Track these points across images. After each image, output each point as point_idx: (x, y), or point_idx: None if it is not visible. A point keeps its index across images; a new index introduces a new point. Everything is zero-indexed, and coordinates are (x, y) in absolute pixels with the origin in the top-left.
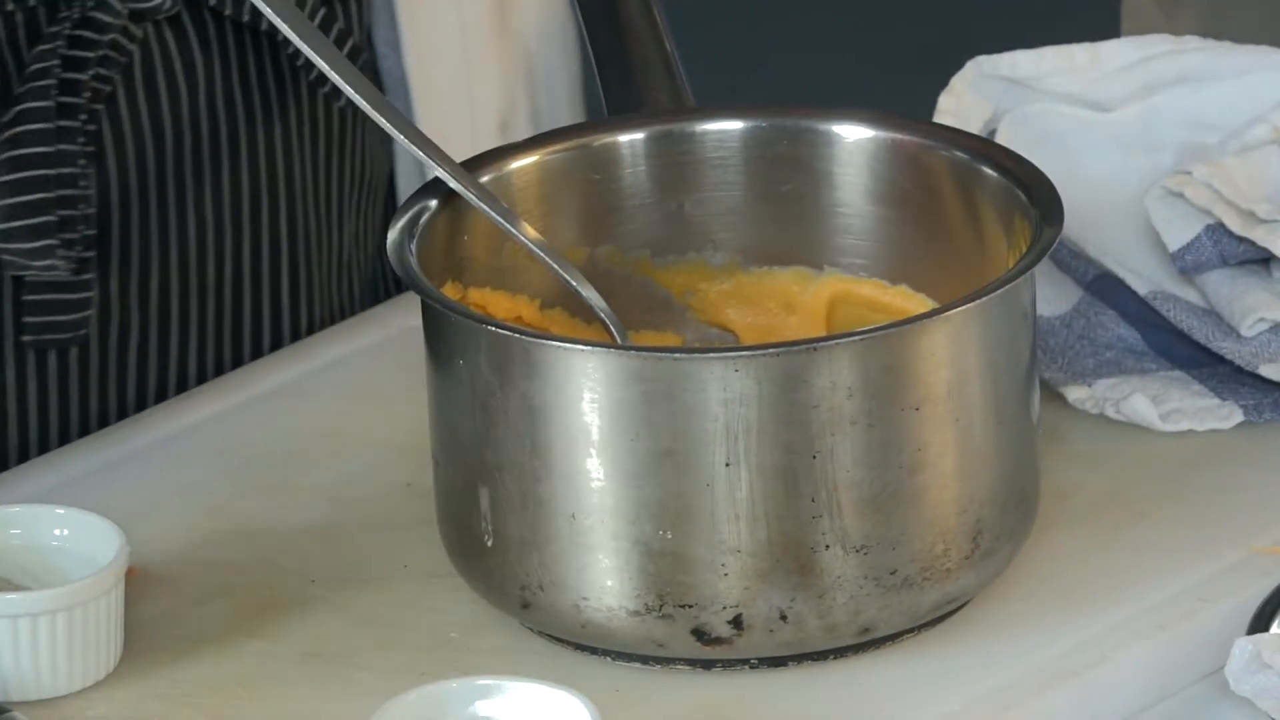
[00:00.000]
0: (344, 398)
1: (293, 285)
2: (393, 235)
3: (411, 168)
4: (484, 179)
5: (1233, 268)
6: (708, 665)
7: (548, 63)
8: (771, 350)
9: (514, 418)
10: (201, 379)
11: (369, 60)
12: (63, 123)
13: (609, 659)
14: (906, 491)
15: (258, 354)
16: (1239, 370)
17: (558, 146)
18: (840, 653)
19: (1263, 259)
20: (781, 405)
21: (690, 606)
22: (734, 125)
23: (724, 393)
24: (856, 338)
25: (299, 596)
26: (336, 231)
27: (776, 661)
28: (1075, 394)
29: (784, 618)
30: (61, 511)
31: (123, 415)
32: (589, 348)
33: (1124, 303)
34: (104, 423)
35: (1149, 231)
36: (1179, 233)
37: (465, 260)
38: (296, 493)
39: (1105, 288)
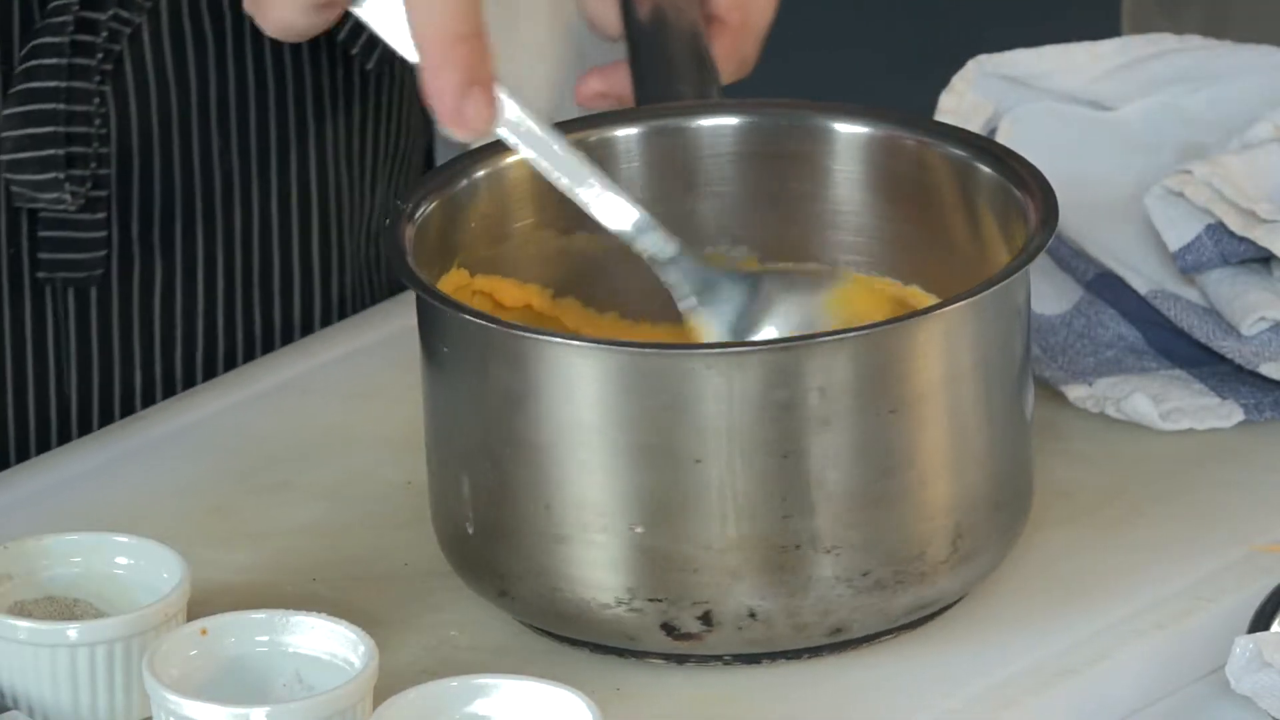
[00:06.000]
0: (344, 397)
1: (323, 245)
2: (391, 215)
3: (452, 143)
4: (479, 174)
5: (1233, 267)
6: (681, 660)
7: (604, 52)
8: (745, 349)
9: (492, 406)
10: (230, 335)
11: None
12: (77, 60)
13: (610, 656)
14: (880, 494)
15: (287, 314)
16: (1239, 369)
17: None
18: (840, 647)
19: (1263, 258)
20: (753, 404)
21: (660, 601)
22: (730, 121)
23: (696, 390)
24: (830, 339)
25: (299, 595)
26: (369, 196)
27: (790, 655)
28: (1075, 393)
29: (753, 615)
30: (123, 540)
31: (147, 363)
32: (562, 340)
33: (1124, 301)
34: (126, 367)
35: (1149, 230)
36: (1179, 232)
37: (472, 246)
38: (297, 491)
39: (1106, 286)
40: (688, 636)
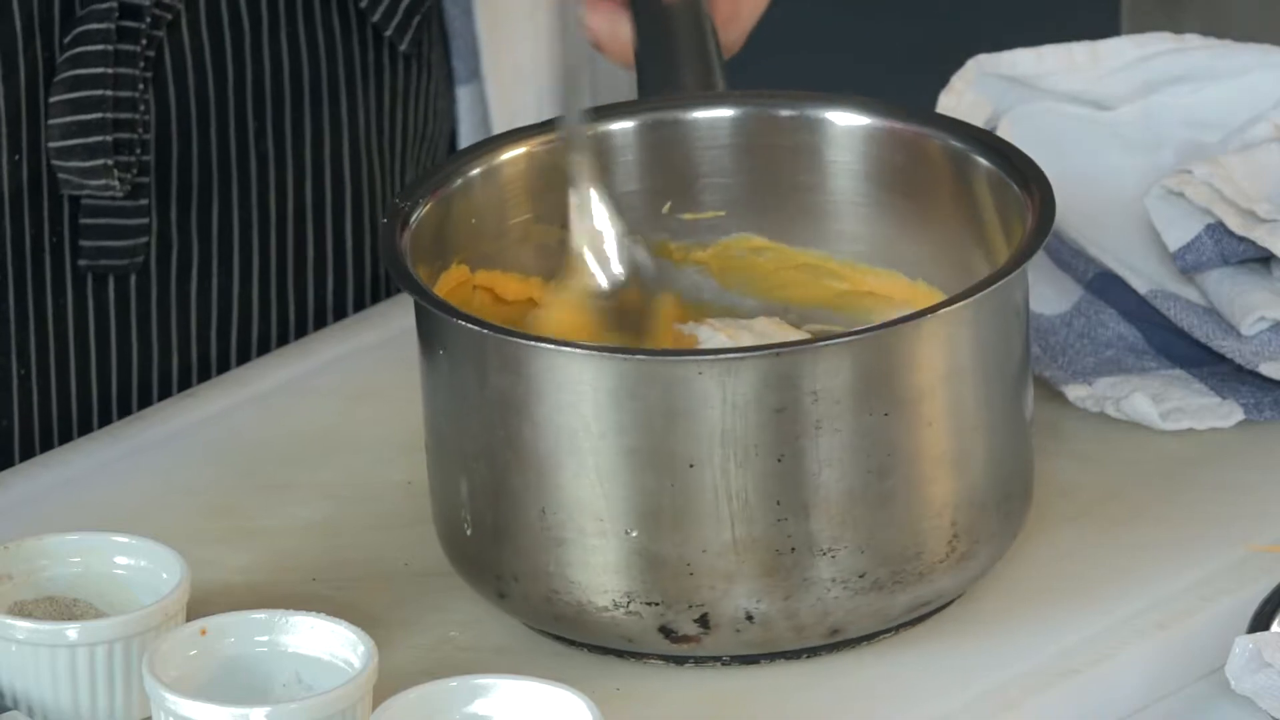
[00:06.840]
0: (344, 397)
1: (355, 227)
2: (389, 215)
3: (474, 127)
4: (474, 171)
5: (1233, 266)
6: (680, 660)
7: None
8: (736, 354)
9: (488, 409)
10: (265, 319)
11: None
12: (122, 46)
13: (610, 656)
14: (874, 496)
15: (320, 296)
16: (1239, 369)
17: (548, 138)
18: (839, 647)
19: (1263, 258)
20: (745, 409)
21: (656, 604)
22: (727, 112)
23: (690, 394)
24: (820, 345)
25: (300, 595)
26: (398, 179)
27: (790, 655)
28: (1075, 392)
29: (750, 618)
30: (123, 540)
31: (184, 348)
32: (557, 346)
33: (1124, 301)
34: (164, 353)
35: (1149, 230)
36: (1179, 232)
37: (471, 242)
38: (297, 491)
39: (1105, 286)
40: (685, 639)
